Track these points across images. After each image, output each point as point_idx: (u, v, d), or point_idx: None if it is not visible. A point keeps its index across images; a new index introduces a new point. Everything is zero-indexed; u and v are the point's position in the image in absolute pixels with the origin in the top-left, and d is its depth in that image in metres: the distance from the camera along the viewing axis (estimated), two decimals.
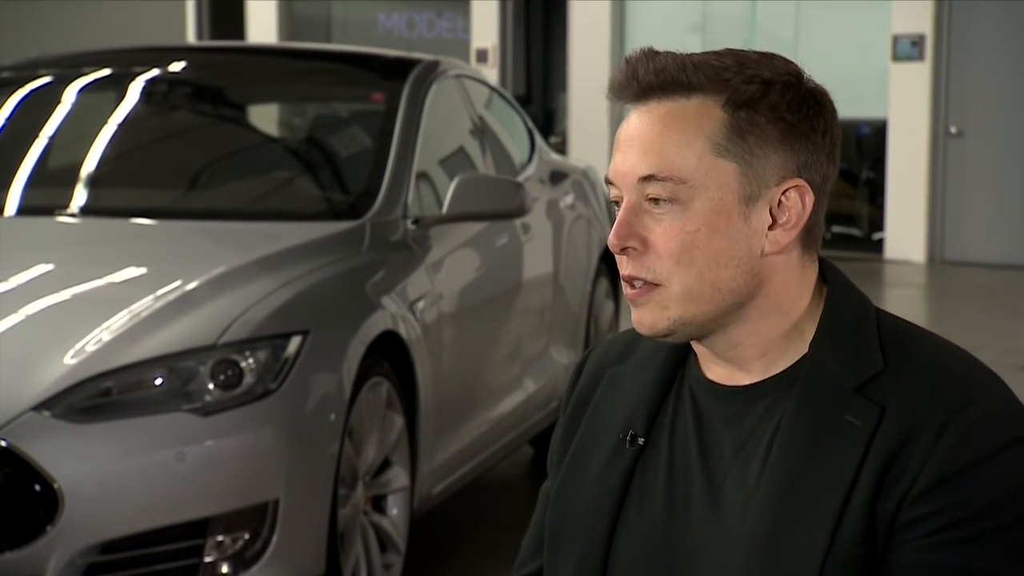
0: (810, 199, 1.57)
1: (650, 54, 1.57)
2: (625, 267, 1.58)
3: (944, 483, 1.47)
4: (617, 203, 1.59)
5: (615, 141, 1.60)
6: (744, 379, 1.60)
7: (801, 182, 1.56)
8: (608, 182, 1.60)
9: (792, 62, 1.59)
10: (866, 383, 1.53)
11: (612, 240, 1.57)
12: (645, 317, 1.58)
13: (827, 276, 1.62)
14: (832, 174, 1.61)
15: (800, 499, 1.51)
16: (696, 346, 1.64)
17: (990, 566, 1.45)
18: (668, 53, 1.57)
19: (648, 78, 1.56)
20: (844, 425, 1.51)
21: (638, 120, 1.57)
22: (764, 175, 1.55)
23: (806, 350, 1.58)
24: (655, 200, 1.55)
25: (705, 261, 1.54)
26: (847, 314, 1.58)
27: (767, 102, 1.54)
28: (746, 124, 1.54)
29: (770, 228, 1.56)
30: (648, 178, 1.55)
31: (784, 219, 1.56)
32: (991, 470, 1.47)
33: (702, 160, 1.54)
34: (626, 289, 1.59)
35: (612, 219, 1.61)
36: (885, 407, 1.50)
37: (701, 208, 1.54)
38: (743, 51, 1.59)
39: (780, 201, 1.56)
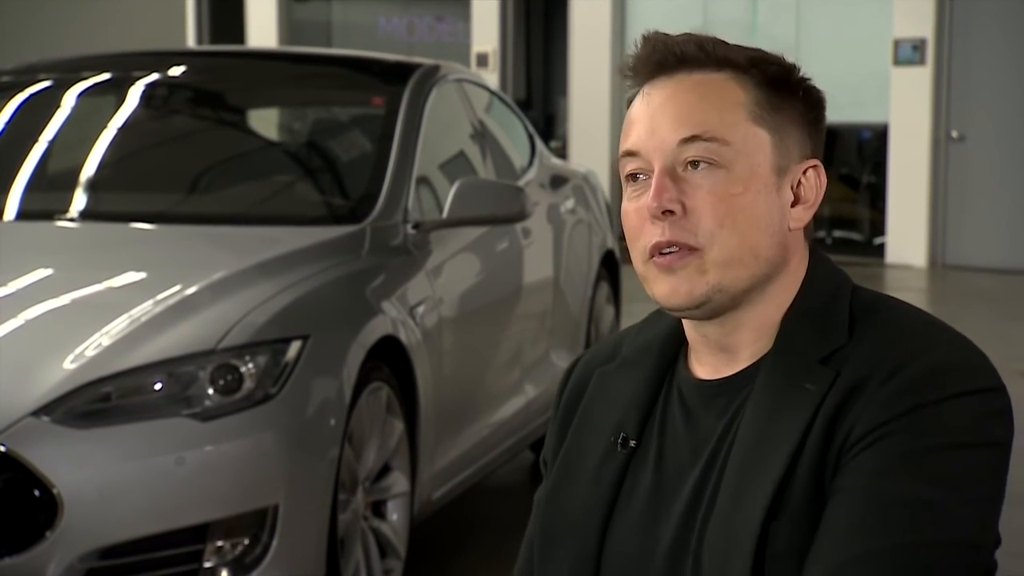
0: (824, 181, 1.61)
1: (665, 34, 1.60)
2: (663, 233, 1.54)
3: (882, 426, 1.46)
4: (634, 176, 1.58)
5: (630, 118, 1.60)
6: (730, 370, 1.61)
7: (818, 163, 1.61)
8: (629, 154, 1.58)
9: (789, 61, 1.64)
10: (830, 355, 1.54)
11: (652, 203, 1.54)
12: (682, 285, 1.55)
13: (809, 259, 1.63)
14: None
15: (755, 465, 1.51)
16: (691, 334, 1.64)
17: (917, 490, 1.44)
18: (683, 34, 1.61)
19: (683, 47, 1.58)
20: (801, 392, 1.52)
21: (669, 90, 1.57)
22: (792, 150, 1.59)
23: None
24: (694, 164, 1.55)
25: (747, 225, 1.55)
26: (820, 292, 1.60)
27: (789, 84, 1.59)
28: (776, 99, 1.58)
29: (792, 205, 1.59)
30: (691, 139, 1.55)
31: (804, 197, 1.60)
32: (931, 415, 1.46)
33: (741, 125, 1.56)
34: (655, 260, 1.55)
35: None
36: (840, 371, 1.51)
37: (742, 173, 1.55)
38: (746, 46, 1.63)
39: (800, 180, 1.59)
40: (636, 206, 1.57)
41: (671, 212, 1.54)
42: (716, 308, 1.57)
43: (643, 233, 1.56)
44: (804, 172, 1.59)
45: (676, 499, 1.60)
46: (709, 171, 1.55)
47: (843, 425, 1.49)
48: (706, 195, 1.54)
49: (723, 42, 1.60)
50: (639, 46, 1.60)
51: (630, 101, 1.62)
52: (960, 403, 1.47)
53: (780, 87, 1.58)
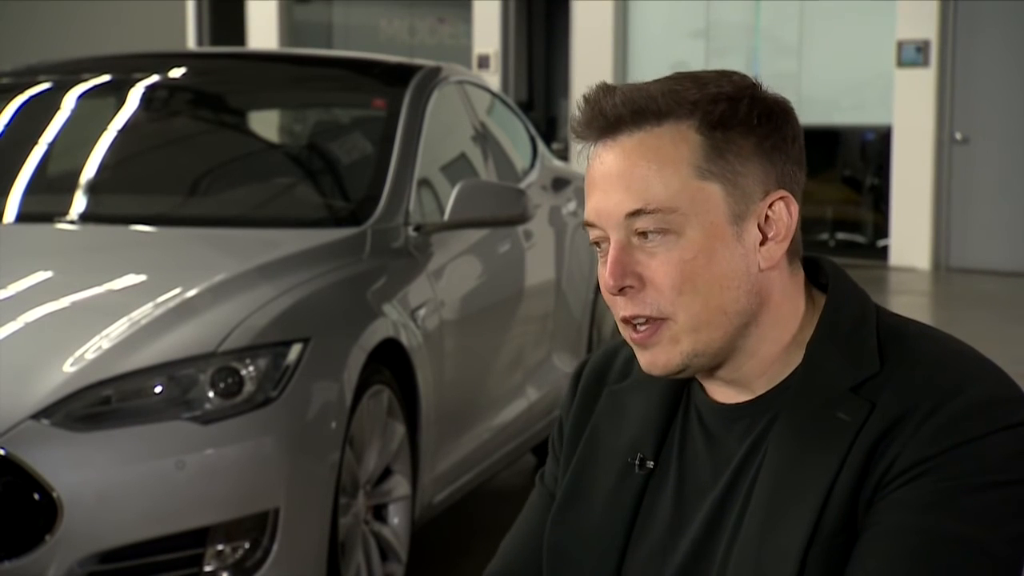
0: (795, 209, 1.56)
1: (608, 89, 1.55)
2: (625, 308, 1.54)
3: (922, 462, 1.46)
4: (598, 244, 1.57)
5: (588, 181, 1.57)
6: (748, 396, 1.59)
7: (785, 193, 1.55)
8: (588, 224, 1.57)
9: (747, 76, 1.58)
10: (861, 384, 1.52)
11: (608, 282, 1.54)
12: (658, 358, 1.55)
13: (828, 277, 1.61)
14: (803, 179, 1.59)
15: (786, 495, 1.50)
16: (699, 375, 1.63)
17: (956, 528, 1.44)
18: (626, 85, 1.55)
19: (616, 111, 1.53)
20: (835, 422, 1.50)
21: (612, 156, 1.54)
22: (749, 191, 1.54)
23: None
24: (643, 234, 1.53)
25: (708, 287, 1.52)
26: (846, 316, 1.57)
27: (738, 118, 1.53)
28: (723, 143, 1.52)
29: (761, 244, 1.55)
30: (636, 213, 1.52)
31: (773, 233, 1.55)
32: (973, 451, 1.45)
33: (687, 186, 1.52)
34: (628, 333, 1.56)
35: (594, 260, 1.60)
36: (876, 403, 1.50)
37: (694, 235, 1.52)
38: (697, 72, 1.57)
39: (767, 215, 1.55)
40: (603, 274, 1.56)
41: (630, 287, 1.53)
42: (700, 369, 1.57)
43: (614, 304, 1.56)
44: (770, 206, 1.55)
45: (694, 520, 1.59)
46: (661, 240, 1.52)
47: (882, 459, 1.47)
48: (660, 265, 1.52)
49: (664, 90, 1.53)
50: (581, 108, 1.56)
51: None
52: (1001, 439, 1.46)
53: (728, 125, 1.52)
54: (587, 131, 1.56)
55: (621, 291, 1.54)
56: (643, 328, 1.54)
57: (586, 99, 1.56)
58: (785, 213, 1.55)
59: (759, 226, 1.54)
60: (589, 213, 1.56)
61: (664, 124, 1.53)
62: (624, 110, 1.53)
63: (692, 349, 1.54)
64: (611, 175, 1.54)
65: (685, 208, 1.51)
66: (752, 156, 1.53)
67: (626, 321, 1.55)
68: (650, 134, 1.53)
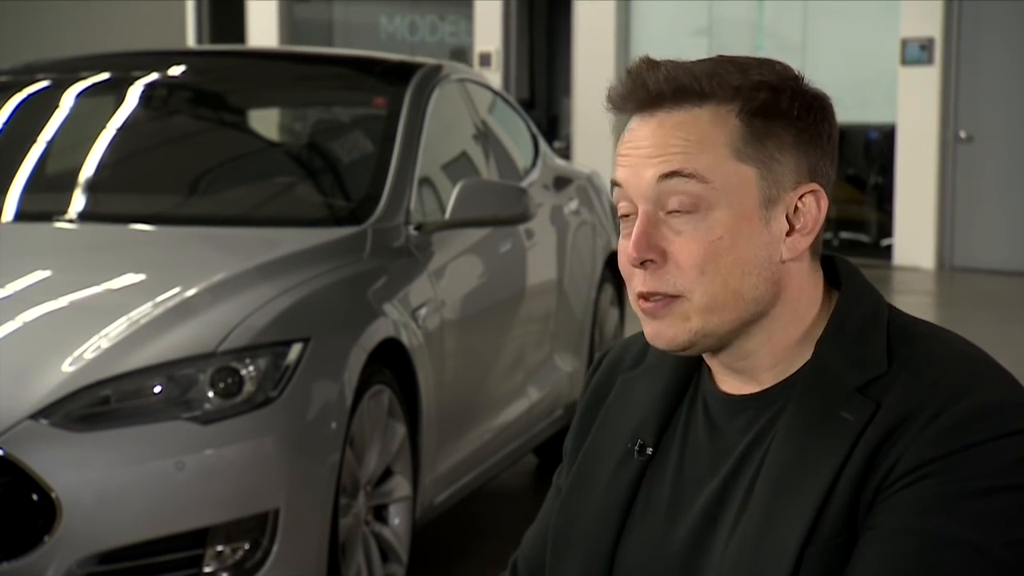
0: (824, 203, 1.56)
1: (652, 63, 1.54)
2: (643, 282, 1.54)
3: (925, 465, 1.44)
4: (626, 217, 1.56)
5: (618, 155, 1.57)
6: (755, 388, 1.59)
7: (816, 187, 1.56)
8: (616, 184, 1.57)
9: (790, 67, 1.58)
10: (868, 384, 1.51)
11: (632, 253, 1.53)
12: (665, 330, 1.55)
13: (842, 276, 1.60)
14: (833, 177, 1.60)
15: (787, 492, 1.49)
16: (707, 358, 1.62)
17: (957, 532, 1.43)
18: (670, 62, 1.55)
19: (659, 87, 1.53)
20: (838, 421, 1.49)
21: (648, 129, 1.54)
22: (782, 180, 1.54)
23: None
24: (671, 212, 1.52)
25: (729, 269, 1.52)
26: (857, 315, 1.56)
27: (779, 108, 1.53)
28: (762, 131, 1.53)
29: (787, 234, 1.54)
30: (670, 175, 1.52)
31: (801, 224, 1.55)
32: (977, 455, 1.44)
33: (723, 164, 1.52)
34: (640, 304, 1.55)
35: (615, 221, 1.59)
36: (880, 403, 1.49)
37: (723, 215, 1.52)
38: (740, 57, 1.57)
39: (796, 207, 1.55)
40: (624, 247, 1.56)
41: (652, 261, 1.53)
42: (705, 349, 1.57)
43: (632, 277, 1.56)
44: (800, 198, 1.55)
45: (692, 510, 1.59)
46: (688, 218, 1.52)
47: (885, 460, 1.46)
48: (686, 242, 1.52)
49: (708, 72, 1.53)
50: (622, 80, 1.56)
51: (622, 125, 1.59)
52: (1006, 444, 1.45)
53: (769, 114, 1.53)
54: (626, 103, 1.56)
55: (642, 264, 1.53)
56: (655, 300, 1.54)
57: (629, 71, 1.55)
58: (814, 206, 1.55)
59: (787, 216, 1.54)
60: (620, 176, 1.56)
61: (705, 105, 1.53)
62: (666, 87, 1.53)
63: (701, 328, 1.53)
64: (644, 147, 1.54)
65: (719, 184, 1.51)
66: (789, 147, 1.53)
67: (641, 296, 1.55)
68: (690, 113, 1.53)
